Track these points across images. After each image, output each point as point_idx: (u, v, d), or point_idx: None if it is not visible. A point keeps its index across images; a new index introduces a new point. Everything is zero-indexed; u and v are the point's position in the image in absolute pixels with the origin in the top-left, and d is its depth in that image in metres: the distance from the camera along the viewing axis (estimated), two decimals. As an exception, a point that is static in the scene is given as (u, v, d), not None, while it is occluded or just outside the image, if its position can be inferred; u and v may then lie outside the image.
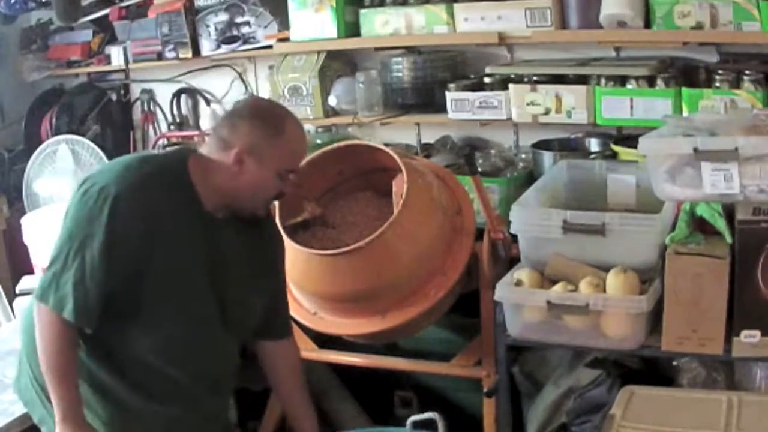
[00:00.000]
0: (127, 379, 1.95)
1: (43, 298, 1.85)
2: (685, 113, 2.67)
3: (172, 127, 4.01)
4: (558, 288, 2.31)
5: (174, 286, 1.91)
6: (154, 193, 1.86)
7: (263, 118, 1.92)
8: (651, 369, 2.51)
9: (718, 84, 2.69)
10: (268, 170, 1.91)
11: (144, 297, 1.89)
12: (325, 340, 2.81)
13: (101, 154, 3.69)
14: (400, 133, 3.47)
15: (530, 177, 2.96)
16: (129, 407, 1.97)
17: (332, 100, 3.39)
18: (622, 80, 2.83)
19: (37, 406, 2.06)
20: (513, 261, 2.52)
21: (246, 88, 3.78)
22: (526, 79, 2.97)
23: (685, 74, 2.82)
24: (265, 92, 3.70)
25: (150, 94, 4.08)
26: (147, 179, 1.86)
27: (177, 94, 3.96)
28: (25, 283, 2.92)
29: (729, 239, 2.16)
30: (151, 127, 4.10)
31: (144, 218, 1.84)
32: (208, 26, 3.60)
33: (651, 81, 2.78)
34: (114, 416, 1.97)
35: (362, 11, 3.25)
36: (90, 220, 1.82)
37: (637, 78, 2.79)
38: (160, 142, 3.95)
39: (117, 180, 1.83)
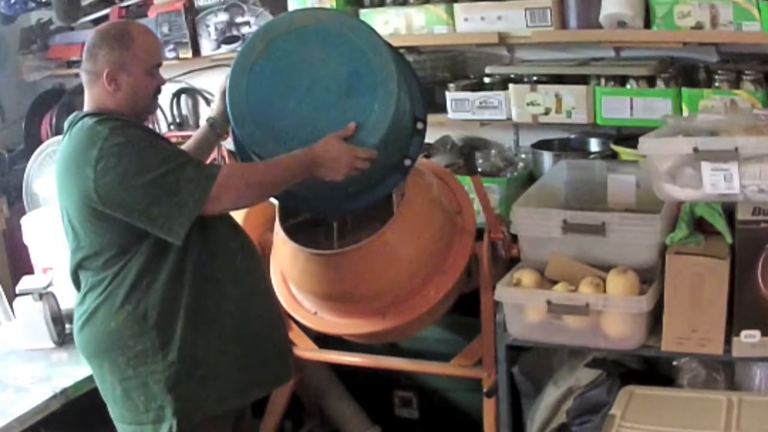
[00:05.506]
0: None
1: (204, 192, 1.99)
2: (685, 113, 2.67)
3: (172, 127, 4.00)
4: (558, 288, 2.31)
5: None
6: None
7: (113, 37, 2.14)
8: (651, 369, 2.51)
9: (718, 84, 2.68)
10: (137, 74, 2.15)
11: None
12: (325, 340, 2.81)
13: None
14: (400, 133, 3.46)
15: (530, 177, 2.96)
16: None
17: (332, 100, 3.38)
18: (622, 80, 2.83)
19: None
20: (513, 261, 2.52)
21: (246, 88, 3.78)
22: (526, 79, 2.96)
23: (685, 74, 2.81)
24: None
25: (150, 94, 4.07)
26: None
27: (177, 94, 3.95)
28: (25, 283, 2.89)
29: (729, 239, 2.16)
30: (150, 127, 4.08)
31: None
32: (208, 26, 3.59)
33: (651, 81, 2.78)
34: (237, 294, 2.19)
35: (362, 11, 3.25)
36: (138, 143, 2.03)
37: (637, 78, 2.79)
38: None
39: (101, 131, 2.02)
